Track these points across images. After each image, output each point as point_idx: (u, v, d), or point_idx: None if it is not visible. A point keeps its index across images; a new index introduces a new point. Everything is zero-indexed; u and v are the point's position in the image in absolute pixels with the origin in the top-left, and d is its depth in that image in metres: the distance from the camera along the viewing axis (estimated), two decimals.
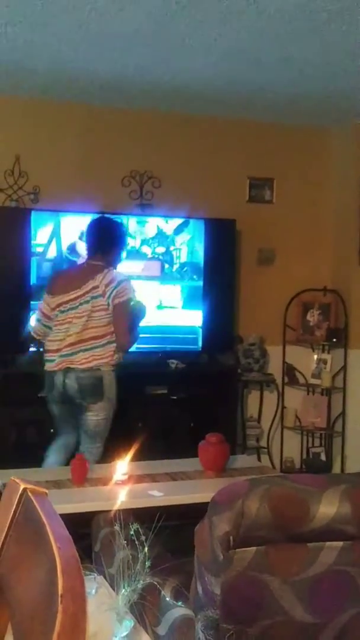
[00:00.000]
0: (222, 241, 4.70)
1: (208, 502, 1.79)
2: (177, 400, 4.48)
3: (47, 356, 3.79)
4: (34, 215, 4.29)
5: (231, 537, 1.65)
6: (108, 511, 2.82)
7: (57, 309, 3.76)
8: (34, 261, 4.28)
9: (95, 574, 1.89)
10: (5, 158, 4.42)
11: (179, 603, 1.83)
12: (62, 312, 3.74)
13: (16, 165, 4.44)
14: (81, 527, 2.64)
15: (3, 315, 4.25)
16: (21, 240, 4.24)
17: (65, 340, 3.72)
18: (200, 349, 4.68)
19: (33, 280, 4.28)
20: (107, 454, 3.45)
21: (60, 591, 0.73)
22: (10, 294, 4.26)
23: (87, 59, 3.73)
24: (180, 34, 3.35)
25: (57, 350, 3.74)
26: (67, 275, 3.90)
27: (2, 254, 4.25)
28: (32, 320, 4.02)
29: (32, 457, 3.79)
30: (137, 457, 3.18)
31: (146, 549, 1.72)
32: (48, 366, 3.78)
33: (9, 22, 3.25)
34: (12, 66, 3.88)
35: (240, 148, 4.94)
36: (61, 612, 0.71)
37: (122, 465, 3.14)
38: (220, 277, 4.69)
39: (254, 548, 1.68)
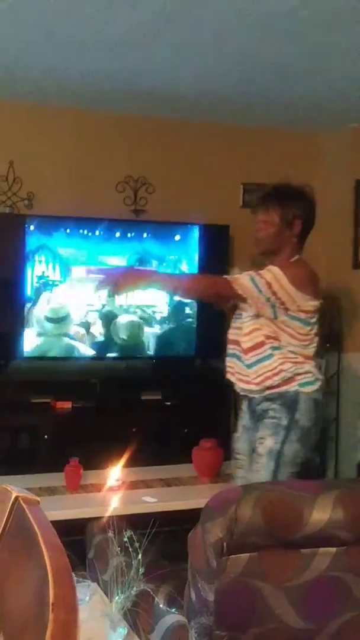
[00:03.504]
0: (216, 247, 4.70)
1: (202, 508, 1.80)
2: (171, 406, 4.48)
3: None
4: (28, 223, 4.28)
5: (224, 544, 1.65)
6: (102, 517, 2.82)
7: (307, 315, 2.94)
8: (28, 267, 4.27)
9: (89, 581, 1.89)
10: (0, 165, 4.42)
11: (173, 610, 1.83)
12: (309, 324, 2.95)
13: (10, 171, 4.44)
14: (75, 533, 2.63)
15: None
16: (15, 246, 4.24)
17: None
18: (194, 355, 4.68)
19: (27, 286, 4.27)
20: (101, 460, 3.44)
21: (51, 600, 0.73)
22: (4, 300, 4.26)
23: (81, 63, 3.73)
24: (173, 41, 3.36)
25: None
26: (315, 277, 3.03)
27: None
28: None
29: (24, 464, 3.78)
30: (130, 463, 3.18)
31: (140, 555, 1.72)
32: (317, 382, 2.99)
33: (1, 27, 3.25)
34: (5, 71, 3.88)
35: (234, 154, 4.95)
36: (52, 622, 0.71)
37: (116, 472, 3.13)
38: None
39: (247, 554, 1.68)
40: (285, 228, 2.93)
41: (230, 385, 3.08)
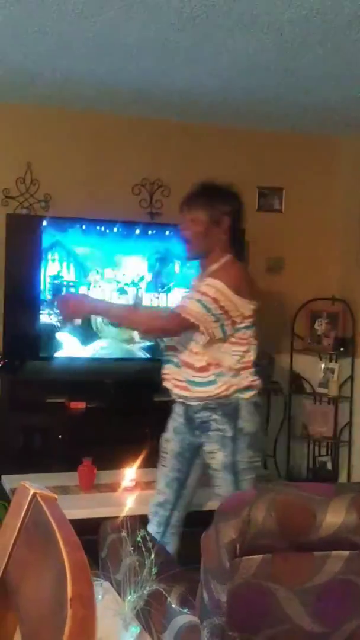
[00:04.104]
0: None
1: (215, 510, 1.80)
2: None
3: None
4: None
5: (237, 545, 1.66)
6: (115, 517, 2.83)
7: (248, 321, 2.92)
8: (44, 268, 4.29)
9: (102, 580, 1.90)
10: (17, 166, 4.45)
11: (185, 610, 1.84)
12: (250, 327, 2.94)
13: (28, 173, 4.47)
14: (88, 533, 2.64)
15: (13, 321, 4.28)
16: (32, 247, 4.27)
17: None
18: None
19: (43, 287, 4.29)
20: (114, 460, 3.46)
21: (69, 596, 0.74)
22: (20, 300, 4.28)
23: (97, 68, 3.75)
24: (189, 45, 3.37)
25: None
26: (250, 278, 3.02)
27: (13, 261, 4.28)
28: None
29: (39, 463, 3.80)
30: (144, 464, 3.19)
31: (153, 555, 1.73)
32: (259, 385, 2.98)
33: (21, 31, 3.28)
34: (24, 75, 3.91)
35: (250, 157, 4.95)
36: (70, 617, 0.72)
37: (129, 472, 3.15)
38: None
39: (260, 556, 1.69)
40: (213, 226, 2.88)
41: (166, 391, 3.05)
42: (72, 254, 4.35)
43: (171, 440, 3.00)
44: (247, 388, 2.88)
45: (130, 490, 3.24)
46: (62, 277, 4.33)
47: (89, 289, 4.35)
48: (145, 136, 4.71)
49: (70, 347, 4.34)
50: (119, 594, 1.78)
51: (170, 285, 4.59)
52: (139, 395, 4.39)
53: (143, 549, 1.76)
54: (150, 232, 4.55)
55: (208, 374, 2.84)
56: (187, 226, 2.91)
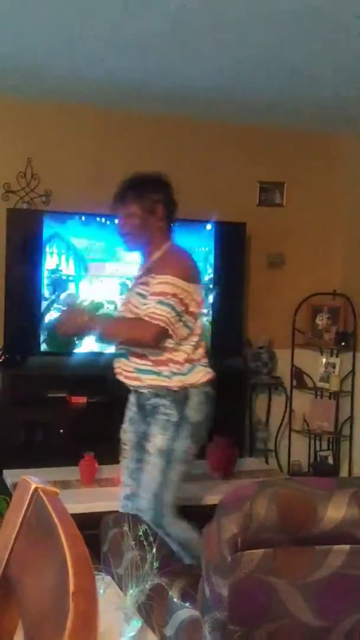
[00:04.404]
0: (232, 245, 4.70)
1: (215, 504, 1.80)
2: None
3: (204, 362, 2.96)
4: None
5: (239, 539, 1.66)
6: (116, 512, 2.84)
7: (202, 306, 3.02)
8: (45, 262, 4.29)
9: (104, 574, 1.91)
10: (17, 160, 4.44)
11: (187, 604, 1.84)
12: (201, 314, 3.04)
13: (28, 168, 4.46)
14: (89, 527, 2.64)
15: (14, 316, 4.27)
16: (33, 241, 4.26)
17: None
18: (209, 352, 4.68)
19: (44, 281, 4.29)
20: (115, 455, 3.46)
21: (71, 590, 0.74)
22: (21, 295, 4.28)
23: (98, 63, 3.74)
24: (191, 41, 3.36)
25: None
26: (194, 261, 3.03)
27: (14, 256, 4.28)
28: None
29: (40, 457, 3.80)
30: None
31: (154, 549, 1.73)
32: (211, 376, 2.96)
33: (23, 27, 3.27)
34: (26, 70, 3.90)
35: (251, 152, 4.94)
36: (72, 611, 0.72)
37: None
38: (230, 281, 4.69)
39: (262, 550, 1.69)
40: (149, 216, 2.89)
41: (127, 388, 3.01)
42: (73, 248, 4.34)
43: (128, 431, 3.00)
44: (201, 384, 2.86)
45: None
46: (61, 271, 4.33)
47: (91, 283, 4.35)
48: (145, 131, 4.69)
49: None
50: (121, 588, 1.78)
51: None
52: None
53: (144, 543, 1.76)
54: None
55: (163, 369, 2.82)
56: (123, 222, 2.93)
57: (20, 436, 4.18)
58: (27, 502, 0.89)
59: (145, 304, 2.79)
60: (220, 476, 3.67)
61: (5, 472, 3.64)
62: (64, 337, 3.05)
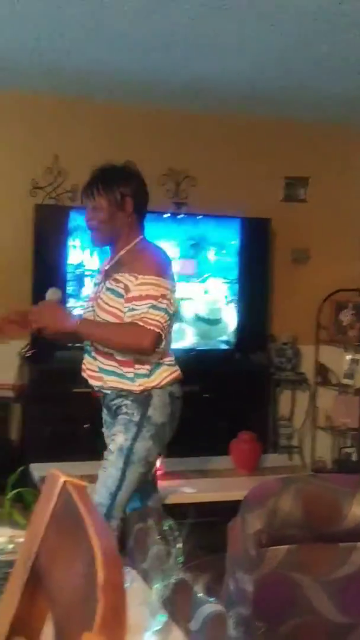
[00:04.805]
0: (257, 240, 4.70)
1: (239, 500, 1.81)
2: (209, 399, 4.50)
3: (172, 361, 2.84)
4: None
5: (263, 535, 1.67)
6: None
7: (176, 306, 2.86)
8: (71, 257, 4.31)
9: (129, 568, 1.92)
10: (44, 157, 4.47)
11: (211, 599, 1.85)
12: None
13: (55, 164, 4.49)
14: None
15: None
16: (59, 236, 4.29)
17: None
18: (233, 348, 4.69)
19: (70, 276, 4.32)
20: None
21: (100, 583, 0.75)
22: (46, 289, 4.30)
23: (123, 59, 3.76)
24: (214, 33, 3.36)
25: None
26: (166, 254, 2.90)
27: (41, 251, 4.31)
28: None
29: (66, 452, 3.83)
30: (169, 454, 3.20)
31: (179, 544, 1.74)
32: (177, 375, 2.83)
33: (46, 23, 3.28)
34: (52, 66, 3.92)
35: (276, 147, 4.93)
36: (102, 604, 0.73)
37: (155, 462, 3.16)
38: (254, 276, 4.69)
39: (286, 546, 1.70)
40: (116, 210, 2.74)
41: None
42: None
43: (104, 434, 2.91)
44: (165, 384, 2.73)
45: (157, 479, 3.26)
46: (84, 266, 4.34)
47: None
48: (171, 126, 4.71)
49: None
50: (146, 583, 1.79)
51: (205, 276, 4.57)
52: None
53: (169, 538, 1.77)
54: (179, 219, 4.56)
55: (127, 370, 2.69)
56: (90, 216, 2.77)
57: (46, 431, 4.21)
58: (55, 495, 0.90)
59: (120, 304, 2.64)
60: (245, 472, 3.67)
61: (32, 465, 3.67)
62: (41, 332, 2.75)
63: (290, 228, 4.93)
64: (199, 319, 4.60)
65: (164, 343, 2.67)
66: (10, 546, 1.55)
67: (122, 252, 2.76)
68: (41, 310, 2.75)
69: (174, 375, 2.77)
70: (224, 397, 4.50)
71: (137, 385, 2.69)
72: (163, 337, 2.62)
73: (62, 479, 0.92)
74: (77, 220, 4.31)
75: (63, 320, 2.70)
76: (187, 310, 4.57)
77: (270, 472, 3.63)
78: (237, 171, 4.83)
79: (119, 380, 2.71)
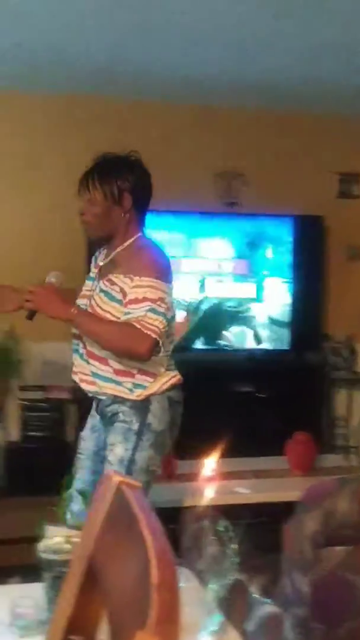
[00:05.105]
0: (311, 238, 4.66)
1: (295, 501, 1.79)
2: (264, 399, 4.47)
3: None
4: None
5: (320, 536, 1.65)
6: (196, 506, 2.85)
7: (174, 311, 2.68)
8: None
9: (184, 568, 1.92)
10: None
11: (267, 600, 1.84)
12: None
13: None
14: (169, 522, 2.67)
15: None
16: None
17: None
18: (287, 347, 4.65)
19: None
20: (194, 450, 3.46)
21: (154, 582, 0.75)
22: None
23: (173, 58, 3.77)
24: (265, 31, 3.34)
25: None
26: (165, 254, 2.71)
27: (93, 252, 4.34)
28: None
29: None
30: (223, 455, 3.19)
31: (234, 545, 1.73)
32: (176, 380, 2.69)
33: (99, 25, 3.32)
34: (101, 67, 3.96)
35: (330, 144, 4.88)
36: (156, 602, 0.73)
37: (210, 462, 3.16)
38: (309, 275, 4.65)
39: (343, 547, 1.67)
40: (113, 205, 2.53)
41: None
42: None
43: (87, 438, 2.72)
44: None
45: (211, 480, 3.25)
46: None
47: None
48: (223, 126, 4.70)
49: None
50: (201, 583, 1.79)
51: (264, 273, 4.54)
52: (219, 386, 4.40)
53: (224, 538, 1.77)
54: (232, 218, 4.55)
55: (126, 379, 2.53)
56: (85, 209, 2.56)
57: None
58: (110, 495, 0.91)
59: (114, 307, 2.48)
60: (300, 473, 3.64)
61: None
62: (32, 317, 2.54)
63: (345, 225, 4.87)
64: (272, 321, 4.57)
65: (162, 351, 2.49)
66: (67, 546, 1.57)
67: (117, 250, 2.58)
68: (39, 292, 2.52)
69: (174, 380, 2.63)
70: (278, 397, 4.47)
71: (135, 395, 2.53)
72: (160, 344, 2.43)
73: (117, 479, 0.93)
74: None
75: (59, 307, 2.48)
76: (257, 312, 4.53)
77: (326, 472, 3.59)
78: (289, 168, 4.79)
79: (116, 387, 2.53)
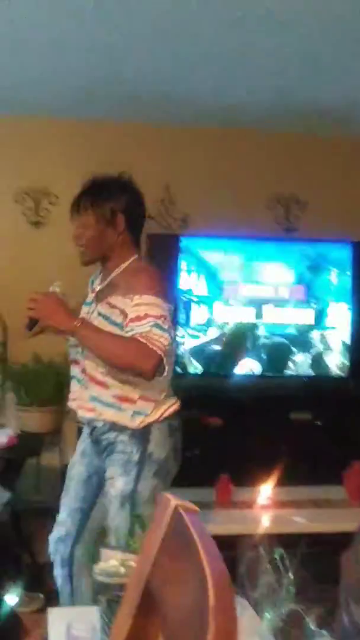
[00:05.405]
0: None
1: (353, 531, 1.76)
2: (321, 427, 4.42)
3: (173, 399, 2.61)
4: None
5: None
6: (252, 534, 2.83)
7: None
8: (181, 284, 4.38)
9: (239, 597, 1.91)
10: (156, 187, 4.57)
11: (324, 632, 1.81)
12: None
13: (166, 194, 4.58)
14: (224, 549, 2.64)
15: None
16: (171, 265, 4.35)
17: None
18: (346, 375, 4.59)
19: (181, 303, 4.38)
20: (250, 477, 3.44)
21: (211, 606, 0.75)
22: None
23: (231, 85, 3.80)
24: (334, 58, 3.34)
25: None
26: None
27: None
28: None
29: (175, 478, 3.85)
30: (280, 483, 3.17)
31: (291, 574, 1.71)
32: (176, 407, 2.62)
33: (157, 56, 3.38)
34: (160, 96, 4.02)
35: None
36: (213, 627, 0.73)
37: (266, 490, 3.14)
38: None
39: None
40: (106, 227, 2.50)
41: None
42: (209, 269, 4.40)
43: (77, 464, 2.64)
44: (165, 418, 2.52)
45: (267, 508, 3.23)
46: (191, 291, 4.38)
47: (226, 304, 4.38)
48: (279, 150, 4.71)
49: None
50: (257, 612, 1.77)
51: (323, 299, 4.51)
52: (275, 413, 4.36)
53: (280, 568, 1.75)
54: (289, 244, 4.54)
55: (127, 405, 2.46)
56: (78, 233, 2.53)
57: None
58: (167, 519, 0.92)
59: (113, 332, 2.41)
60: (358, 503, 3.57)
61: None
62: (31, 327, 2.45)
63: None
64: (331, 347, 4.52)
65: (166, 372, 2.41)
66: (123, 570, 1.58)
67: (114, 273, 2.53)
68: (42, 300, 2.43)
69: (174, 407, 2.55)
70: (337, 425, 4.40)
71: (136, 423, 2.46)
72: (165, 363, 2.34)
73: (174, 503, 0.93)
74: (187, 247, 4.39)
75: (64, 317, 2.39)
76: (315, 338, 4.50)
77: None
78: (349, 193, 4.76)
79: (117, 413, 2.46)
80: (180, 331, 4.34)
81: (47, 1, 2.79)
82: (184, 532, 0.88)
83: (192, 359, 4.41)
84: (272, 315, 4.43)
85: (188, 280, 4.38)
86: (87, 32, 3.07)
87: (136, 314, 2.35)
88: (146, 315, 2.34)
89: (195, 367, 4.40)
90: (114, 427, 2.47)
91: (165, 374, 2.41)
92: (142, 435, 2.46)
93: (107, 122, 4.44)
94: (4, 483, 3.32)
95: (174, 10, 2.84)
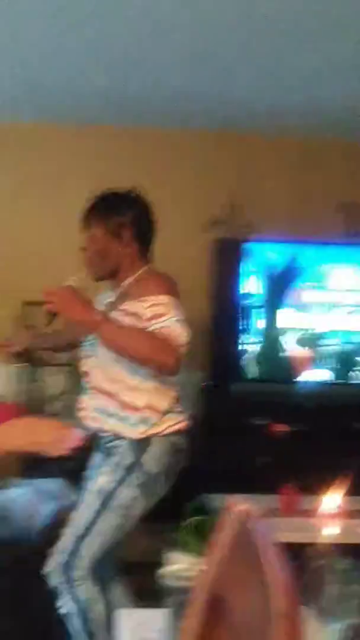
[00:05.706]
0: None
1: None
2: None
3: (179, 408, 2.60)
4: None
5: None
6: (318, 544, 2.79)
7: None
8: (245, 289, 4.36)
9: (304, 607, 1.89)
10: (221, 193, 4.58)
11: None
12: None
13: (232, 200, 4.58)
14: (289, 558, 2.62)
15: (219, 343, 4.37)
16: (236, 270, 4.35)
17: None
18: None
19: (243, 308, 4.37)
20: (315, 486, 3.39)
21: (276, 612, 0.75)
22: (225, 322, 4.38)
23: (298, 93, 3.79)
24: None
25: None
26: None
27: (220, 284, 4.40)
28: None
29: (240, 485, 3.83)
30: (347, 492, 3.12)
31: (356, 585, 1.68)
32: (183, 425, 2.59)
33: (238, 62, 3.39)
34: (225, 104, 4.03)
35: None
36: (277, 633, 0.73)
37: (332, 499, 3.10)
38: None
39: None
40: (112, 241, 2.52)
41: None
42: (275, 275, 4.37)
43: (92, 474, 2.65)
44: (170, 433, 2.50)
45: (335, 517, 3.18)
46: (254, 297, 4.35)
47: (296, 310, 4.34)
48: (341, 158, 4.67)
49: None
50: (321, 624, 1.75)
51: None
52: (339, 421, 4.30)
53: (346, 578, 1.72)
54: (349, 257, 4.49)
55: (132, 414, 2.47)
56: (87, 246, 2.57)
57: (219, 462, 4.24)
58: (234, 524, 0.92)
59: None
60: None
61: (210, 496, 3.70)
62: (50, 314, 2.45)
63: None
64: None
65: (176, 379, 2.43)
66: (187, 574, 1.58)
67: (126, 283, 2.56)
68: (60, 293, 2.42)
69: (180, 425, 2.53)
70: None
71: (138, 433, 2.47)
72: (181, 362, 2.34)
73: (239, 508, 0.93)
74: (253, 253, 4.37)
75: (83, 310, 2.38)
76: None
77: None
78: None
79: (119, 423, 2.48)
80: (246, 337, 4.34)
81: None
82: (249, 538, 0.88)
83: (257, 364, 4.39)
84: (340, 322, 4.37)
85: (255, 287, 4.36)
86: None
87: (153, 313, 2.38)
88: (165, 313, 2.37)
89: (261, 373, 4.38)
90: (117, 436, 2.50)
91: (175, 377, 2.42)
92: (140, 444, 2.46)
93: (175, 129, 4.48)
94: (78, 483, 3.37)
95: None
